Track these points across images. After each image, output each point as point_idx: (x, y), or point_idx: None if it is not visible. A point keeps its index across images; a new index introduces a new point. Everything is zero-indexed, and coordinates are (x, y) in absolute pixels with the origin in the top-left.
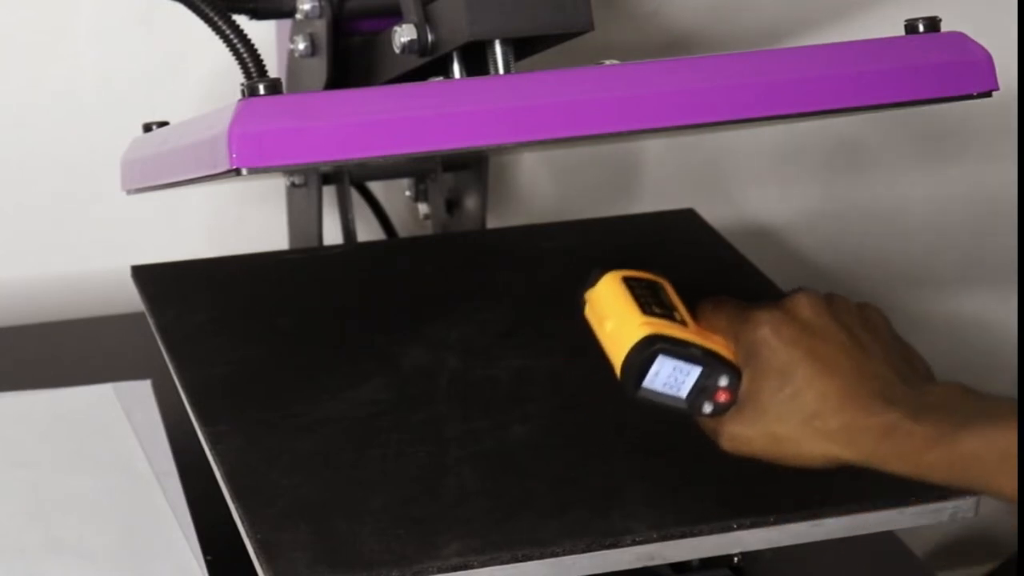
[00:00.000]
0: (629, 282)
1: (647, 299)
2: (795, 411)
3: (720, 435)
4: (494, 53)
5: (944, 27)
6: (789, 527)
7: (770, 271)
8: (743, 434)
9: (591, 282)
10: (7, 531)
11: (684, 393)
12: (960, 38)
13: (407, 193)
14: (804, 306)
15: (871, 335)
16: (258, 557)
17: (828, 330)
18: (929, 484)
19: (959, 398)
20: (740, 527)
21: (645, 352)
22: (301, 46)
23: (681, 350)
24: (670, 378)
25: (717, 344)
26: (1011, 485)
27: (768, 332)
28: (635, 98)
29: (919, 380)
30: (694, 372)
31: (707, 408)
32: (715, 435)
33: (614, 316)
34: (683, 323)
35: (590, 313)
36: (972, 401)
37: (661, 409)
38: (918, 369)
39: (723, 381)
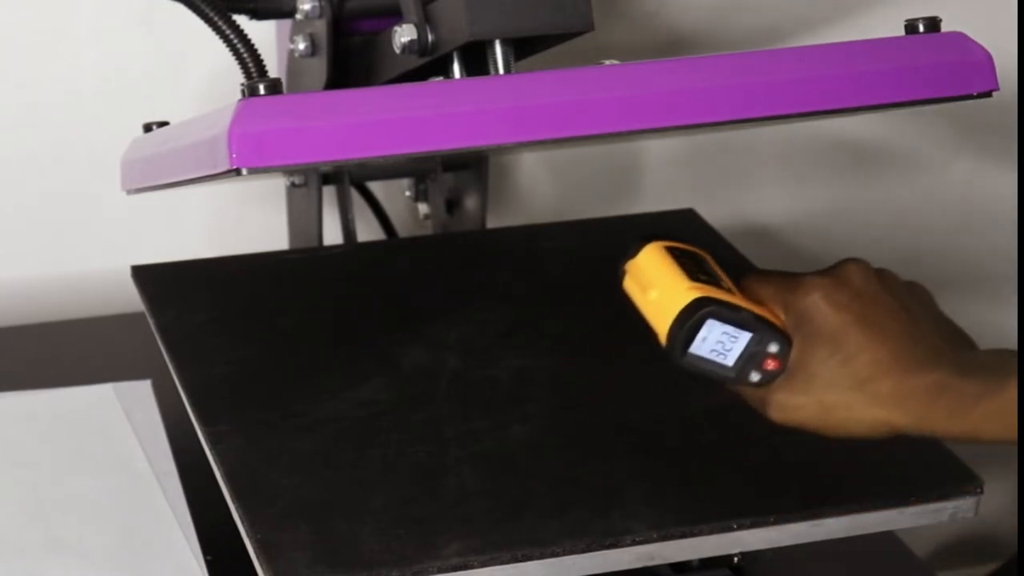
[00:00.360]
0: (672, 251)
1: (691, 267)
2: (846, 377)
3: (768, 404)
4: (494, 53)
5: (944, 27)
6: (789, 527)
7: None
8: (792, 402)
9: (631, 252)
10: (7, 531)
11: (731, 361)
12: (960, 38)
13: (407, 193)
14: (854, 273)
15: (919, 306)
16: (258, 557)
17: (879, 297)
18: (981, 441)
19: (1005, 358)
20: (740, 527)
21: (694, 315)
22: (301, 46)
23: (732, 314)
24: (717, 344)
25: (765, 312)
26: None
27: (820, 298)
28: (635, 98)
29: (966, 346)
30: (743, 338)
31: (754, 376)
32: (762, 405)
33: (659, 284)
34: (730, 291)
35: (630, 283)
36: (1017, 358)
37: (701, 380)
38: (964, 338)
39: (773, 348)
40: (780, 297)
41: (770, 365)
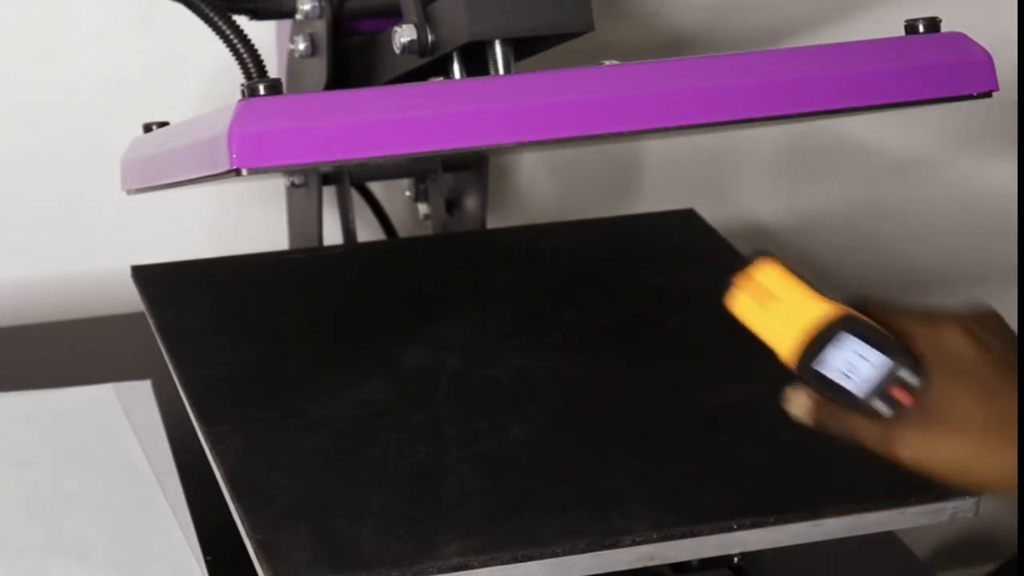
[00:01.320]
0: (790, 269)
1: (814, 287)
2: (991, 417)
3: (895, 439)
4: (494, 53)
5: (944, 27)
6: (789, 527)
7: None
8: (927, 439)
9: (740, 265)
10: (7, 531)
11: (860, 384)
12: (960, 38)
13: (407, 193)
14: (990, 316)
15: None
16: (258, 557)
17: (1013, 341)
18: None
19: None
20: (740, 527)
21: (835, 332)
22: (301, 46)
23: (873, 336)
24: (846, 366)
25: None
26: None
27: (965, 335)
28: (635, 98)
29: None
30: (878, 362)
31: (880, 405)
32: (886, 440)
33: (787, 297)
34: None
35: (741, 297)
36: None
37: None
38: None
39: (909, 377)
40: (915, 329)
41: (900, 395)
